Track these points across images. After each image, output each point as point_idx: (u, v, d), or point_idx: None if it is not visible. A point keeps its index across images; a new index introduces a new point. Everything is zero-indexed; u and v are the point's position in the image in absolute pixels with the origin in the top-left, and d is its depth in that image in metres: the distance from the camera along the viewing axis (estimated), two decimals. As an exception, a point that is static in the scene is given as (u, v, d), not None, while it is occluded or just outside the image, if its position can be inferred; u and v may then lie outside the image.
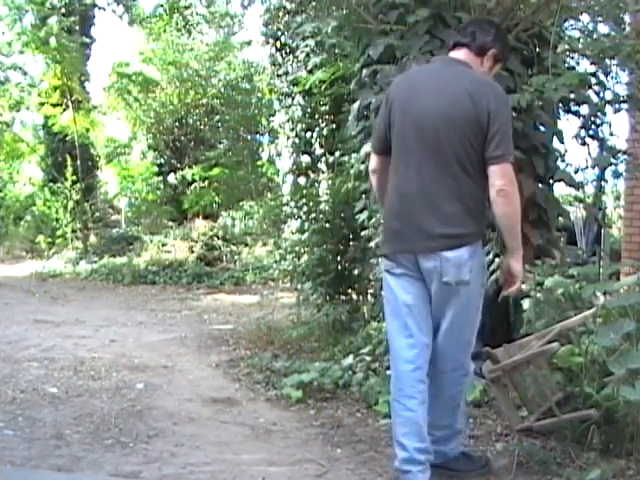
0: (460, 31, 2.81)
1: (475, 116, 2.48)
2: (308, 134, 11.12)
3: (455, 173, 2.52)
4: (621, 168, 4.35)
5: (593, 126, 4.11)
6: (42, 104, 14.82)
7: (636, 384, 2.54)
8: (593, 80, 4.15)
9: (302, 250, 6.16)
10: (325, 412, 3.71)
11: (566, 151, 4.20)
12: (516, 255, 2.64)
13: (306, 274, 5.94)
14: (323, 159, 10.86)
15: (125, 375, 4.58)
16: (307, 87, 9.00)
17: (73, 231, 13.95)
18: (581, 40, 4.41)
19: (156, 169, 15.31)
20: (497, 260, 3.67)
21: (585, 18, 4.40)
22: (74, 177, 13.84)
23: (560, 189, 5.05)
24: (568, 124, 4.33)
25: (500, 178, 2.48)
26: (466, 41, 2.68)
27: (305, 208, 6.14)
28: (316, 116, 10.91)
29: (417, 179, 2.59)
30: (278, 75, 11.56)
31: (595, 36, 4.26)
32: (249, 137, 15.40)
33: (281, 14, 10.81)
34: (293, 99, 11.18)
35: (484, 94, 2.50)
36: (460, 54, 2.68)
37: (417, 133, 2.58)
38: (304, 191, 6.67)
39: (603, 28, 4.35)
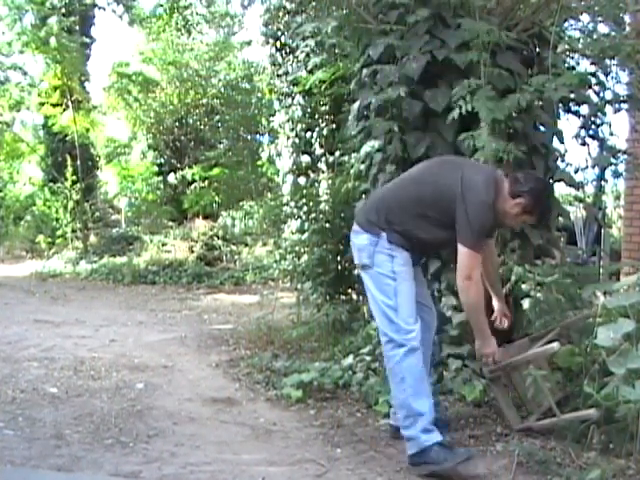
0: (514, 172, 3.15)
1: (449, 189, 2.94)
2: (308, 134, 11.11)
3: (405, 198, 3.05)
4: (621, 168, 4.34)
5: (593, 126, 4.11)
6: (42, 104, 14.81)
7: (636, 384, 2.54)
8: (593, 80, 4.15)
9: (302, 250, 6.16)
10: (325, 412, 3.71)
11: (566, 151, 4.20)
12: (477, 339, 3.10)
13: (306, 274, 5.94)
14: (323, 159, 10.86)
15: (125, 375, 4.58)
16: (307, 87, 8.98)
17: (73, 231, 13.95)
18: (581, 40, 4.41)
19: (156, 169, 15.31)
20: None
21: (585, 18, 4.40)
22: (74, 177, 13.83)
23: (560, 189, 5.05)
24: (568, 124, 4.33)
25: (459, 268, 2.92)
26: (508, 179, 3.03)
27: (305, 208, 6.13)
28: (316, 116, 10.90)
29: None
30: (278, 75, 11.55)
31: (595, 36, 4.25)
32: (249, 137, 15.40)
33: (281, 14, 10.80)
34: (293, 99, 11.18)
35: (469, 190, 2.89)
36: (505, 184, 3.02)
37: (416, 174, 3.19)
38: (304, 191, 6.66)
39: (603, 28, 4.35)
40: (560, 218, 4.45)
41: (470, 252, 2.89)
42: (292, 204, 6.61)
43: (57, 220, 14.39)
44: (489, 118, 3.51)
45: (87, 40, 15.00)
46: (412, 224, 2.99)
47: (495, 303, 3.37)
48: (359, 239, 3.07)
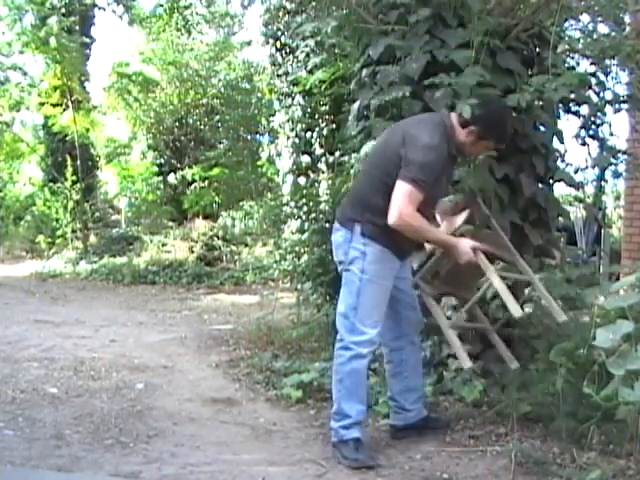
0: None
1: (394, 150, 2.95)
2: (308, 134, 11.13)
3: (368, 180, 3.09)
4: (621, 168, 4.34)
5: (593, 126, 4.10)
6: (42, 104, 14.80)
7: (635, 385, 2.54)
8: (593, 80, 4.14)
9: (302, 250, 6.16)
10: (325, 412, 3.70)
11: (566, 151, 4.19)
12: (448, 253, 3.04)
13: (306, 274, 5.94)
14: (323, 159, 10.87)
15: (125, 375, 4.58)
16: (307, 87, 8.99)
17: (73, 231, 13.94)
18: (581, 40, 4.40)
19: (156, 169, 15.31)
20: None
21: (585, 18, 4.39)
22: (74, 177, 13.83)
23: (560, 189, 5.05)
24: (568, 124, 4.33)
25: (391, 205, 2.85)
26: (455, 111, 3.11)
27: (305, 208, 6.13)
28: (316, 116, 10.92)
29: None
30: (278, 75, 11.57)
31: (595, 36, 4.25)
32: (249, 137, 15.41)
33: (281, 14, 10.81)
34: (293, 99, 11.19)
35: (408, 138, 2.93)
36: (452, 118, 3.09)
37: (370, 154, 3.35)
38: (304, 191, 6.67)
39: (603, 28, 4.35)
40: (560, 218, 4.45)
41: (409, 188, 2.83)
42: (292, 204, 6.61)
43: (57, 220, 14.39)
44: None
45: (87, 40, 14.99)
46: (380, 201, 2.94)
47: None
48: (336, 235, 3.11)
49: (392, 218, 2.85)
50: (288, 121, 11.36)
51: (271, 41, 11.65)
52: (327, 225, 5.82)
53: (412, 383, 3.26)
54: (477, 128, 3.03)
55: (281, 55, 11.54)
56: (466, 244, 2.99)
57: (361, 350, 2.98)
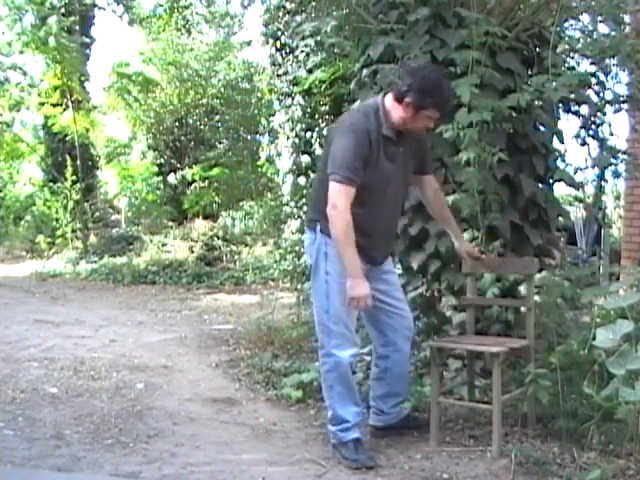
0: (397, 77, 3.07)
1: (328, 148, 2.97)
2: (308, 134, 11.13)
3: (319, 182, 3.07)
4: (621, 168, 4.34)
5: (593, 126, 4.11)
6: (42, 104, 14.81)
7: (636, 385, 2.54)
8: (593, 80, 4.15)
9: (302, 250, 6.16)
10: (325, 412, 3.69)
11: (566, 151, 4.19)
12: (348, 278, 2.84)
13: (306, 274, 5.94)
14: (323, 159, 10.84)
15: (125, 375, 4.58)
16: (307, 87, 9.00)
17: (73, 231, 13.95)
18: (581, 40, 4.41)
19: (156, 169, 15.32)
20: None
21: (585, 18, 4.40)
22: (74, 177, 13.84)
23: (560, 189, 5.05)
24: (568, 124, 4.33)
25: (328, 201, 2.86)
26: (391, 88, 2.99)
27: (305, 208, 6.13)
28: (316, 116, 10.92)
29: None
30: (278, 75, 11.57)
31: (595, 36, 4.25)
32: (249, 137, 15.42)
33: (281, 14, 10.81)
34: (293, 99, 11.19)
35: (332, 132, 3.00)
36: (387, 98, 2.97)
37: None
38: (304, 191, 6.67)
39: (603, 28, 4.35)
40: (560, 218, 4.45)
41: (337, 185, 2.81)
42: (292, 204, 6.62)
43: (57, 220, 14.40)
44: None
45: (87, 40, 14.99)
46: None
47: (456, 244, 3.30)
48: (305, 238, 3.16)
49: (329, 210, 2.83)
50: (288, 121, 11.37)
51: (271, 41, 11.65)
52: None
53: (394, 390, 3.26)
54: (413, 98, 2.84)
55: (281, 55, 11.55)
56: (365, 287, 2.84)
57: (343, 355, 2.97)
